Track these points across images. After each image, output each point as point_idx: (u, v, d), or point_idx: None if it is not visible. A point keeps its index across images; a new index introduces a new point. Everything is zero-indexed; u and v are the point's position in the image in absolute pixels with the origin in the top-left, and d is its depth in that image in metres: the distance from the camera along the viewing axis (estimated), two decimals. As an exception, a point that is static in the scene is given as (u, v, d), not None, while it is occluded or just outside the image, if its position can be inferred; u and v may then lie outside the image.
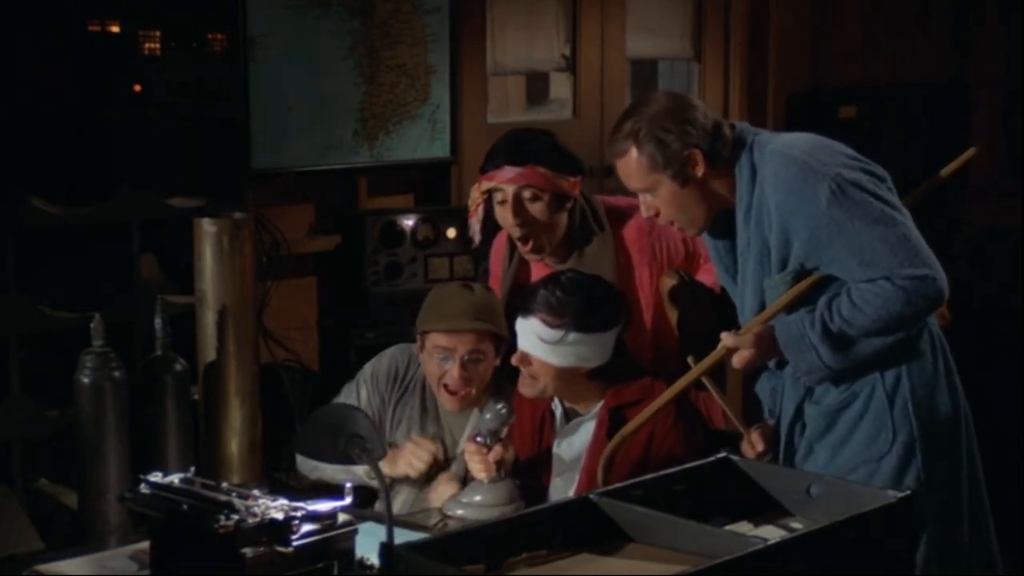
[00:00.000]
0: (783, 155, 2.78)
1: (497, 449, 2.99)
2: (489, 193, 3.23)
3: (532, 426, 3.12)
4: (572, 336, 2.96)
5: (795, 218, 2.74)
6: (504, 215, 3.22)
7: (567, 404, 3.11)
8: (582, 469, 3.03)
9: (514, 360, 3.05)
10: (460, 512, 3.01)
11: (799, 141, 2.84)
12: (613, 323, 3.02)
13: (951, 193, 5.89)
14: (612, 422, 3.00)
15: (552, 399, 3.11)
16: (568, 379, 3.01)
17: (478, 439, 3.01)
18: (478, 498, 2.98)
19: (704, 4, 5.81)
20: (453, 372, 3.16)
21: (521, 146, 3.22)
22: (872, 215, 2.69)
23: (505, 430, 3.04)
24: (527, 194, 3.18)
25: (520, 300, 3.08)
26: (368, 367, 3.37)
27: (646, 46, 5.71)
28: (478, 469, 2.99)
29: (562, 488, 3.07)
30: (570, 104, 5.50)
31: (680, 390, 2.91)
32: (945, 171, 3.06)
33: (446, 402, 3.22)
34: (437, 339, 3.17)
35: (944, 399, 2.82)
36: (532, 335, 2.99)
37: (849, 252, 2.70)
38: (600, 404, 3.05)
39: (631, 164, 2.84)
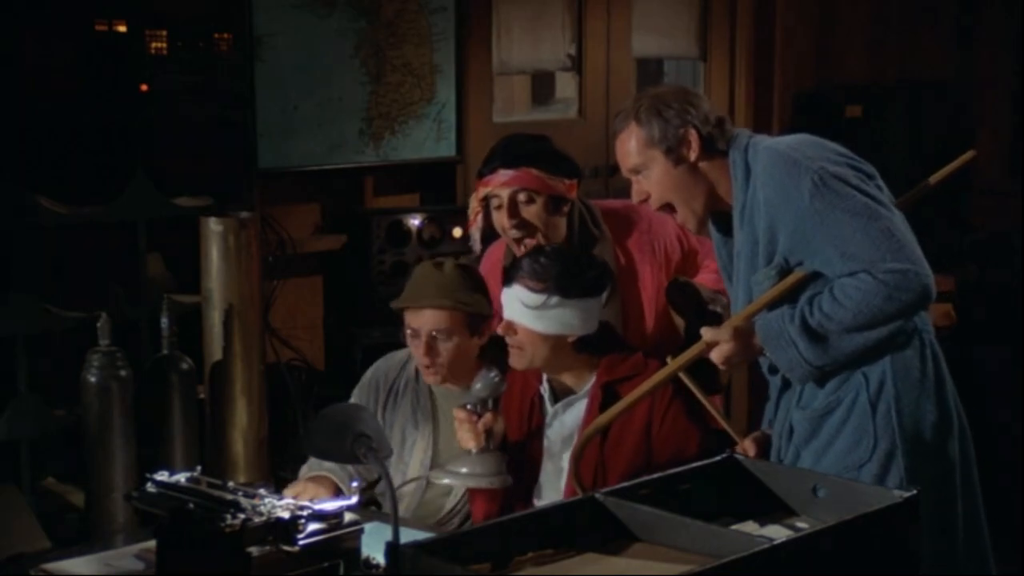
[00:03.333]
0: (772, 151, 2.80)
1: (487, 418, 2.98)
2: (487, 200, 3.25)
3: (520, 411, 3.11)
4: (554, 300, 2.96)
5: (781, 212, 2.74)
6: (501, 219, 3.23)
7: (558, 380, 3.09)
8: (575, 445, 3.02)
9: (500, 329, 3.05)
10: (446, 480, 3.01)
11: (789, 139, 2.86)
12: (596, 290, 3.03)
13: (957, 193, 5.89)
14: (605, 398, 3.00)
15: (541, 382, 3.11)
16: (554, 349, 3.01)
17: (468, 407, 3.00)
18: (465, 469, 2.96)
19: (710, 3, 5.81)
20: (419, 350, 3.18)
21: (515, 149, 3.25)
22: (854, 208, 2.69)
23: (497, 400, 3.03)
24: (522, 197, 3.20)
25: (505, 272, 3.09)
26: (365, 376, 3.41)
27: (652, 45, 5.71)
28: (467, 438, 2.97)
29: (553, 473, 3.07)
30: (576, 104, 5.50)
31: (656, 384, 2.90)
32: (938, 175, 3.02)
33: (425, 377, 3.23)
34: (407, 318, 3.21)
35: (930, 407, 2.77)
36: (516, 302, 3.00)
37: (831, 244, 2.69)
38: (592, 381, 3.05)
39: (629, 139, 2.87)
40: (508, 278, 3.04)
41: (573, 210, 3.28)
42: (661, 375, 2.89)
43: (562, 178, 3.23)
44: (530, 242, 3.22)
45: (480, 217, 3.30)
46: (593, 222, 3.32)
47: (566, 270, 2.99)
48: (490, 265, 3.41)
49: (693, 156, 2.84)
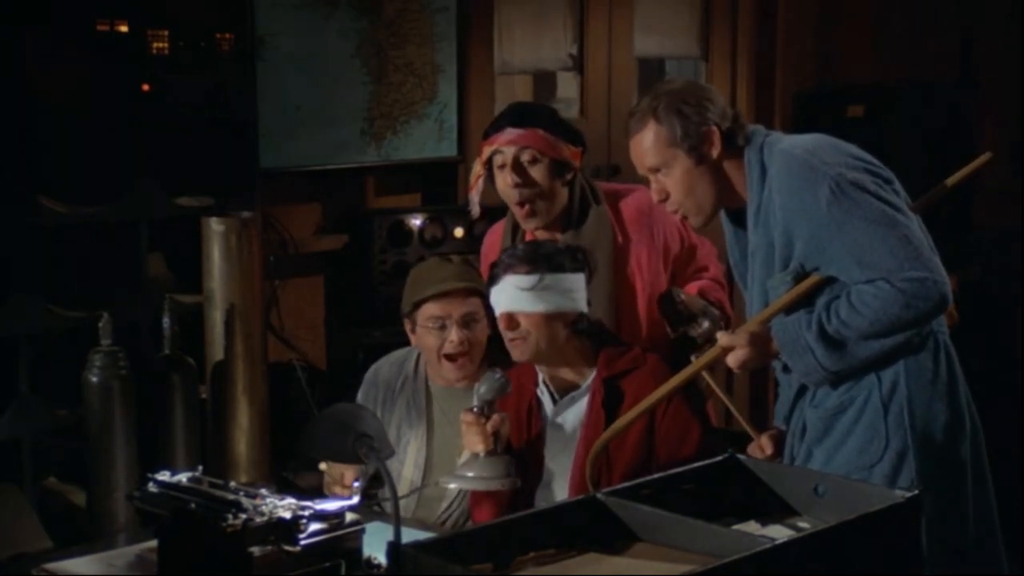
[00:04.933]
0: (788, 154, 2.78)
1: (495, 419, 2.97)
2: (490, 164, 3.24)
3: (517, 415, 3.10)
4: (548, 278, 2.98)
5: (797, 218, 2.73)
6: (504, 178, 3.22)
7: (557, 378, 3.09)
8: (579, 441, 3.02)
9: (501, 324, 3.04)
10: (454, 485, 3.00)
11: (805, 141, 2.83)
12: (581, 267, 3.05)
13: (961, 194, 5.87)
14: (607, 392, 3.01)
15: (537, 384, 3.11)
16: (555, 329, 3.00)
17: (475, 409, 2.98)
18: (473, 472, 2.95)
19: (711, 3, 5.81)
20: (452, 336, 3.17)
21: (523, 111, 3.29)
22: (872, 216, 2.68)
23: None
24: (526, 156, 3.21)
25: (488, 276, 3.09)
26: (368, 372, 3.42)
27: (653, 45, 5.71)
28: (475, 441, 2.95)
29: (558, 473, 3.06)
30: (577, 103, 5.50)
31: (675, 387, 2.90)
32: (954, 178, 3.00)
33: (448, 372, 3.21)
34: (429, 309, 3.19)
35: (944, 408, 2.78)
36: (511, 290, 2.99)
37: (848, 252, 2.69)
38: (591, 376, 3.05)
39: (648, 138, 2.84)
40: (493, 277, 3.04)
41: (575, 180, 3.28)
42: (684, 375, 2.89)
43: (568, 143, 3.24)
44: (527, 201, 3.21)
45: (481, 181, 3.30)
46: (593, 195, 3.32)
47: (550, 249, 3.03)
48: (489, 246, 3.42)
49: (715, 153, 2.83)
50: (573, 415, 3.07)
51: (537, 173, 3.21)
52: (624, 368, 3.04)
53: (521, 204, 3.22)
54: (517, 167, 3.20)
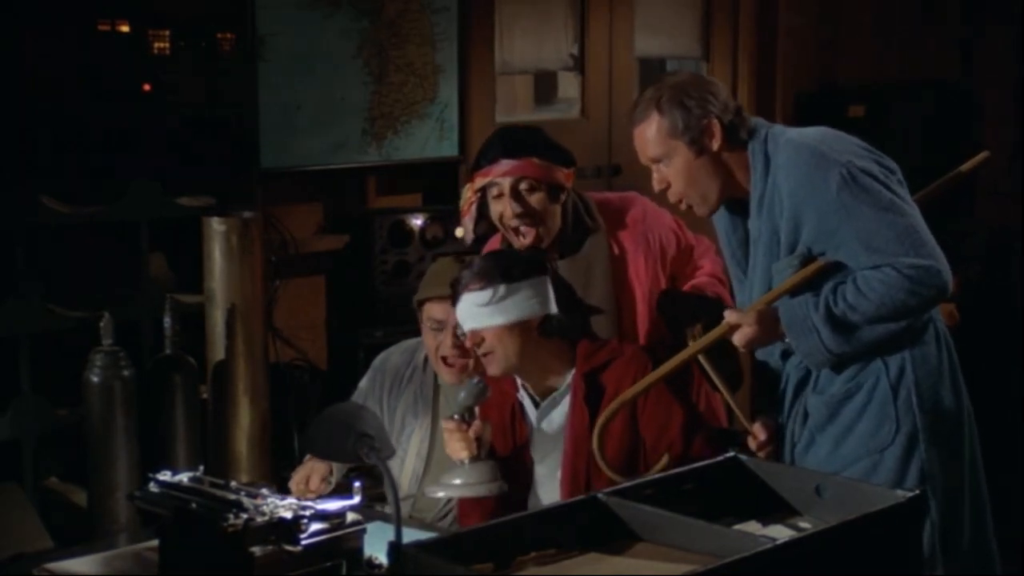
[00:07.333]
0: (796, 143, 2.83)
1: (476, 425, 2.97)
2: (483, 191, 3.24)
3: (501, 424, 3.10)
4: (503, 289, 2.98)
5: (806, 204, 2.77)
6: (502, 208, 3.23)
7: (537, 382, 3.09)
8: (566, 441, 3.02)
9: (468, 344, 3.05)
10: (441, 494, 3.00)
11: (812, 132, 2.89)
12: (537, 271, 3.05)
13: (961, 194, 5.88)
14: (588, 387, 3.01)
15: (517, 390, 3.11)
16: (523, 339, 3.00)
17: (455, 416, 2.98)
18: (459, 480, 2.95)
19: (712, 3, 5.81)
20: (446, 341, 3.18)
21: (515, 140, 3.27)
22: (881, 203, 2.73)
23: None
24: (524, 185, 3.21)
25: (451, 296, 3.09)
26: (376, 359, 3.43)
27: (654, 45, 5.72)
28: (459, 448, 2.96)
29: (547, 476, 3.06)
30: (578, 103, 5.50)
31: (681, 362, 2.92)
32: (954, 173, 3.05)
33: (444, 374, 3.23)
34: (431, 310, 3.21)
35: (948, 393, 2.84)
36: (470, 308, 3.00)
37: (856, 238, 2.73)
38: (571, 374, 3.06)
39: (651, 129, 2.88)
40: (453, 298, 3.04)
41: (568, 199, 3.29)
42: (688, 351, 2.91)
43: (560, 167, 3.24)
44: (528, 231, 3.22)
45: (474, 208, 3.30)
46: (587, 212, 3.33)
47: (499, 261, 3.04)
48: None
49: (716, 146, 2.86)
50: (557, 416, 3.07)
51: (536, 201, 3.22)
52: (602, 361, 3.04)
53: (520, 232, 3.23)
54: (516, 196, 3.21)
